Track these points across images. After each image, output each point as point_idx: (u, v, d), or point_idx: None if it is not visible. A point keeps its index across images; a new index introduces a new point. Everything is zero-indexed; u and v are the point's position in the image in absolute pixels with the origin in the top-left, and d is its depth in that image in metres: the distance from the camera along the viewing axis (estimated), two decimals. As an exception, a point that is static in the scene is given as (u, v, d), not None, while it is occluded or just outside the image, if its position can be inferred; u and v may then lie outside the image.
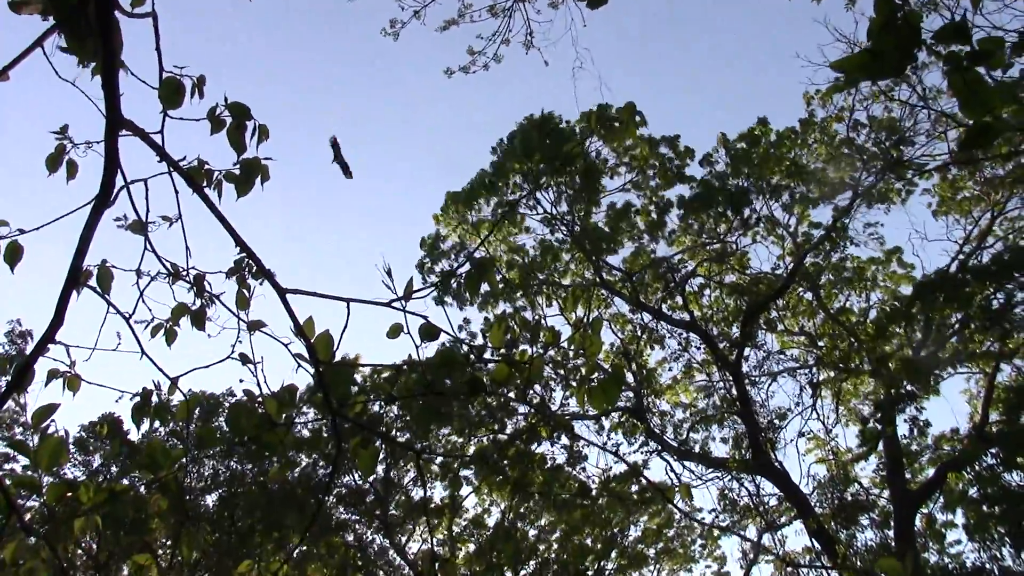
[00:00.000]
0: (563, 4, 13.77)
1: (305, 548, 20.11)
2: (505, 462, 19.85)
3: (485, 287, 3.58)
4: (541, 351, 3.48)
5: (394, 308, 3.43)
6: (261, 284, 4.34)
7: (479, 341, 19.87)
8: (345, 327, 3.51)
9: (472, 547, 21.85)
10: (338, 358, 3.60)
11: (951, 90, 3.63)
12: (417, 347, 3.51)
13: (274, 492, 19.90)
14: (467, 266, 3.59)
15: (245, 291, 4.35)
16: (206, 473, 20.69)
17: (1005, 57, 3.69)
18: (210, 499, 20.72)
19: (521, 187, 19.75)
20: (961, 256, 19.93)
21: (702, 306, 21.70)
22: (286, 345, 4.05)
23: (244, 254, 3.86)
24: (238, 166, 3.90)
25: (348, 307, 3.43)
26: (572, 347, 3.57)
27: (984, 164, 19.02)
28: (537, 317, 19.46)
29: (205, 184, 3.96)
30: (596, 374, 3.73)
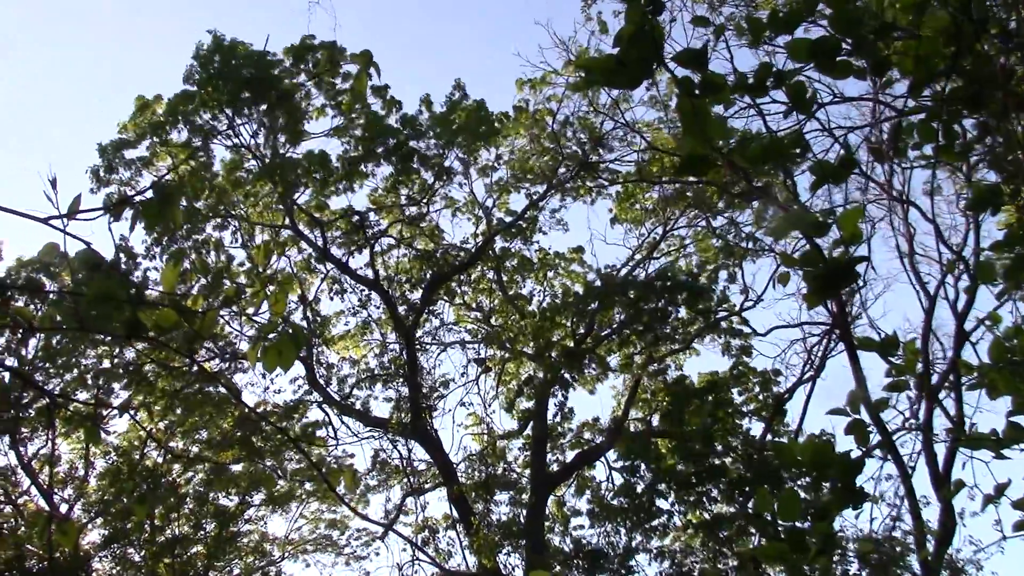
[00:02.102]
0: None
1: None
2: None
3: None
4: (218, 303, 3.13)
5: (52, 227, 2.95)
6: None
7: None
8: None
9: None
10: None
11: (678, 113, 3.71)
12: (74, 275, 3.04)
13: None
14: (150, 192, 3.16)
15: None
16: None
17: (730, 94, 3.82)
18: None
19: (219, 112, 18.59)
20: (631, 263, 21.33)
21: (388, 266, 21.67)
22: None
23: None
24: None
25: (-7, 214, 2.90)
26: (255, 302, 3.26)
27: (664, 183, 20.40)
28: (221, 264, 18.30)
29: None
30: (274, 333, 3.44)
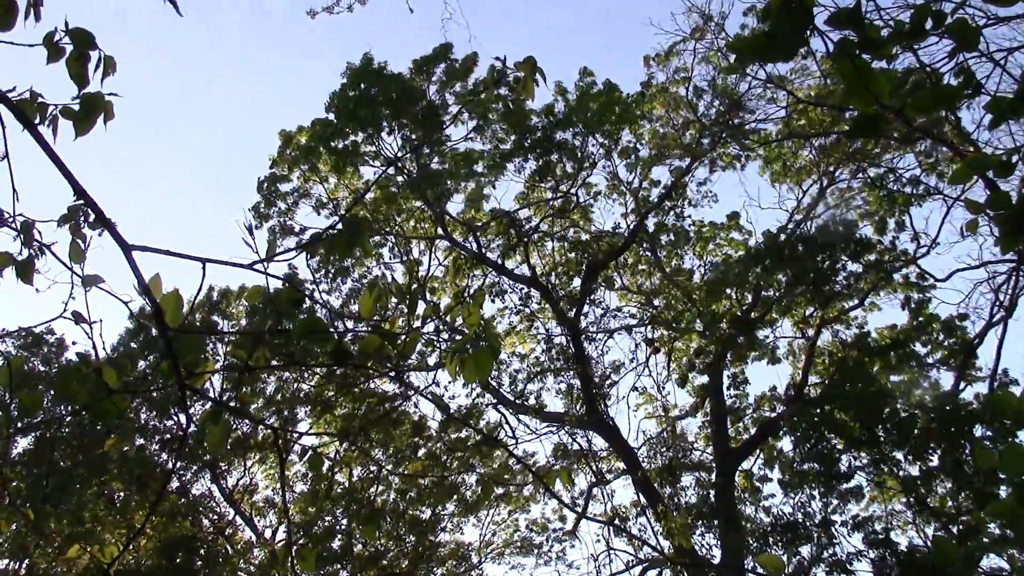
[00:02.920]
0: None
1: (126, 494, 19.27)
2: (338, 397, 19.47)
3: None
4: (418, 323, 3.26)
5: (255, 271, 3.12)
6: (100, 235, 3.91)
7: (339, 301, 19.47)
8: (200, 289, 3.18)
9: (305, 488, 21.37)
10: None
11: (840, 77, 3.60)
12: (279, 314, 3.22)
13: (90, 435, 18.87)
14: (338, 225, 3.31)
15: (80, 242, 3.91)
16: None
17: (892, 47, 3.68)
18: (24, 441, 19.36)
19: (362, 132, 19.19)
20: (791, 224, 20.74)
21: (543, 255, 21.81)
22: (126, 303, 3.67)
23: (81, 201, 3.45)
24: (78, 101, 3.48)
25: (204, 267, 3.10)
26: (450, 318, 3.36)
27: (814, 135, 19.74)
28: (413, 284, 18.94)
29: (38, 120, 3.50)
30: (470, 345, 3.54)
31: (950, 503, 16.82)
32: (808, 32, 3.48)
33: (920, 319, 19.51)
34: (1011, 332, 17.92)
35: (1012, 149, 4.08)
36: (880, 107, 3.44)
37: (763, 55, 3.59)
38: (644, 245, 21.71)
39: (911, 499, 17.07)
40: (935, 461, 16.50)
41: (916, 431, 16.40)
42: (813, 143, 19.98)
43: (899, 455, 16.92)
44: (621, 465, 20.73)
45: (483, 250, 20.62)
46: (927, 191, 18.61)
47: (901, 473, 17.01)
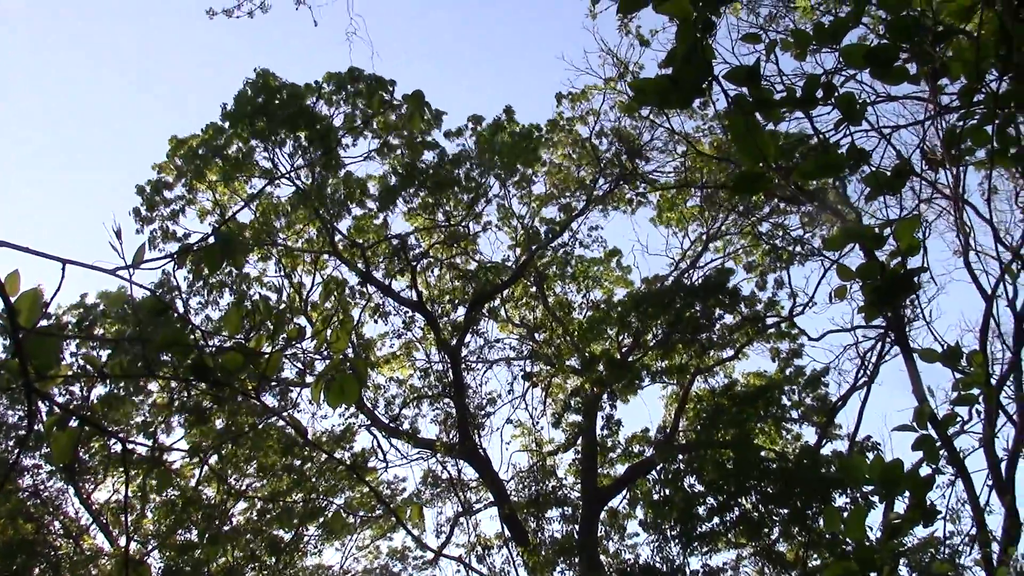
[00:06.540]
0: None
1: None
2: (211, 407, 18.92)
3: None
4: (282, 344, 3.17)
5: (119, 277, 2.98)
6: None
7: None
8: (58, 289, 3.01)
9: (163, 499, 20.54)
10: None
11: (731, 132, 3.68)
12: (140, 323, 3.09)
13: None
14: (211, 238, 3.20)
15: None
16: None
17: (781, 111, 3.80)
18: None
19: (253, 144, 18.84)
20: (676, 272, 21.18)
21: (429, 285, 21.74)
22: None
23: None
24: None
25: (63, 268, 2.94)
26: (316, 342, 3.28)
27: (705, 187, 20.26)
28: (282, 306, 18.57)
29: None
30: (336, 370, 3.47)
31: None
32: (706, 84, 3.56)
33: (789, 371, 20.11)
34: (873, 396, 18.57)
35: (885, 222, 4.24)
36: (765, 166, 3.54)
37: (662, 99, 3.66)
38: (531, 279, 21.83)
39: (755, 547, 17.42)
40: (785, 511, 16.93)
41: (768, 483, 16.82)
42: (703, 194, 20.48)
43: (748, 503, 17.30)
44: (490, 496, 20.68)
45: (370, 269, 20.42)
46: (809, 252, 19.29)
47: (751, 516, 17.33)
